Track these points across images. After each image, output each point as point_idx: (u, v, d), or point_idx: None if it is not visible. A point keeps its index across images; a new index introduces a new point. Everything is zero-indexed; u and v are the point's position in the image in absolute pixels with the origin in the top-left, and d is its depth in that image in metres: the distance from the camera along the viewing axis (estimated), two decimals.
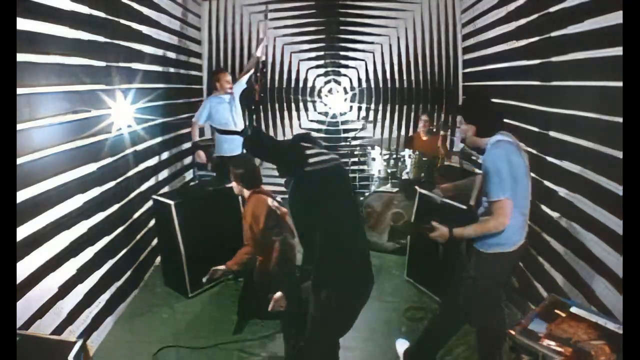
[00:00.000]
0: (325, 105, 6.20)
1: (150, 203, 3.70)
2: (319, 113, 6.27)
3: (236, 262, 3.04)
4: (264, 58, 4.45)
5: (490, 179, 2.11)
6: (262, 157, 2.86)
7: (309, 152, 1.97)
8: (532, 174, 3.36)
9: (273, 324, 3.17)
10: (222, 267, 2.96)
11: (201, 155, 4.46)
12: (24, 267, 2.11)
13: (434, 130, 5.20)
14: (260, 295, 3.12)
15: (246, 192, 3.10)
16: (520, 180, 2.14)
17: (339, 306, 2.03)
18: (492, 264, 2.25)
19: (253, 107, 5.08)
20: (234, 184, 3.14)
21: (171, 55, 4.72)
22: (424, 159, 4.74)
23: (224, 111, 4.36)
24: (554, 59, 2.99)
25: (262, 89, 4.43)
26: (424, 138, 5.16)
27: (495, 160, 2.10)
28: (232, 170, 3.09)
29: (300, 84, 6.15)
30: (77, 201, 2.68)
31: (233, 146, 4.28)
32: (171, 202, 3.32)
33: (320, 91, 6.19)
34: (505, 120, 4.14)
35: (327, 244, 1.96)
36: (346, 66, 6.11)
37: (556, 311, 1.98)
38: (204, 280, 3.01)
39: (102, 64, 3.04)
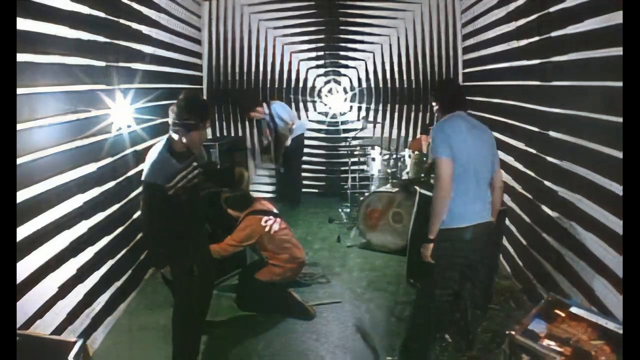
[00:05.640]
0: (325, 105, 6.20)
1: None
2: (319, 113, 6.27)
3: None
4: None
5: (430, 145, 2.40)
6: None
7: None
8: (532, 174, 3.39)
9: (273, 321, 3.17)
10: None
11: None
12: (24, 267, 2.11)
13: None
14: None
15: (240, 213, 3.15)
16: (460, 147, 2.23)
17: None
18: (441, 240, 2.29)
19: None
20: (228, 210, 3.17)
21: (171, 55, 4.71)
22: (424, 159, 4.74)
23: None
24: (554, 59, 2.99)
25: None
26: (425, 143, 5.17)
27: (433, 130, 2.39)
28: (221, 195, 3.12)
29: (300, 84, 6.15)
30: (77, 201, 2.68)
31: None
32: None
33: (320, 91, 6.19)
34: (502, 118, 4.13)
35: None
36: (346, 66, 6.11)
37: (556, 311, 1.97)
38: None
39: (102, 64, 3.04)
